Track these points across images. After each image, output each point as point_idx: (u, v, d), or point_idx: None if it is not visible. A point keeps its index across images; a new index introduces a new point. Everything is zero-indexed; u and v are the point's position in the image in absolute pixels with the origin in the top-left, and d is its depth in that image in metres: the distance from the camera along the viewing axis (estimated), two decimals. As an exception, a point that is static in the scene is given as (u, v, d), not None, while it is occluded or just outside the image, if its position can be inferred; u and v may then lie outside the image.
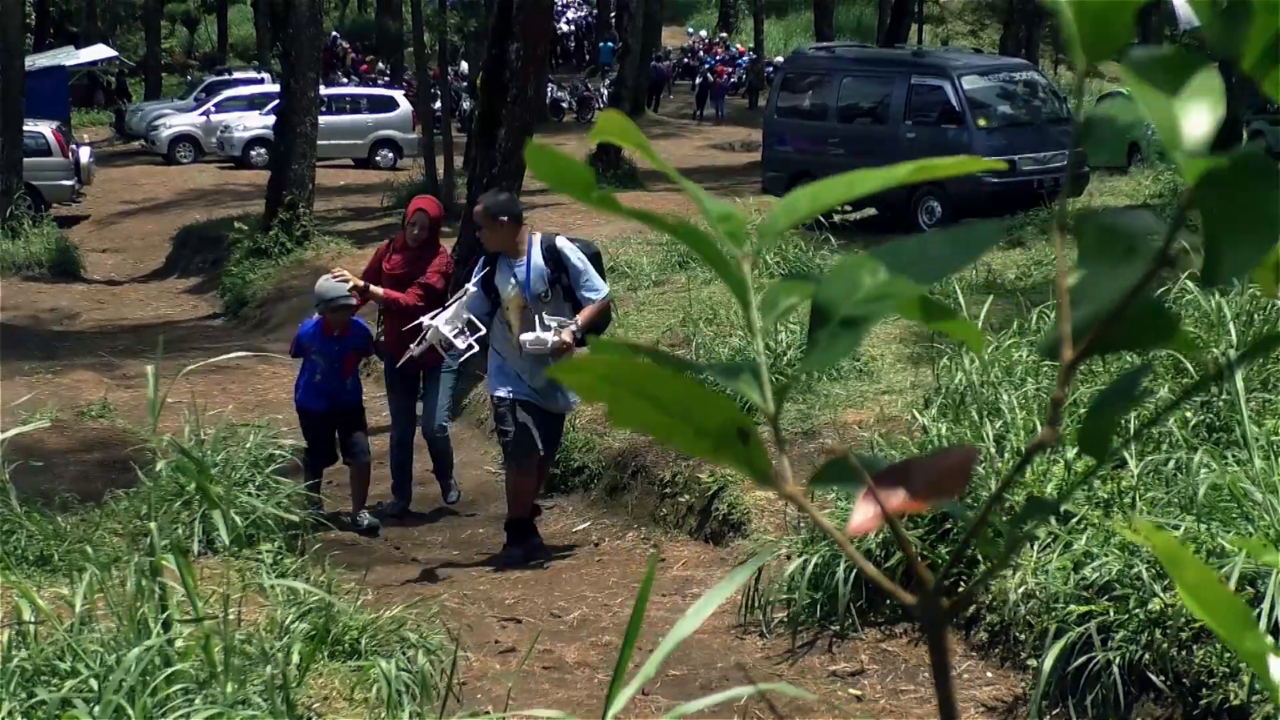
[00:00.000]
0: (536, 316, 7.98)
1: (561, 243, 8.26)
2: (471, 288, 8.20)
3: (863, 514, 0.86)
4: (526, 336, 7.89)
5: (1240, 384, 6.30)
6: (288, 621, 5.08)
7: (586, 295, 8.12)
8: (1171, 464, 6.33)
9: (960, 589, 5.24)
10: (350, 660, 5.20)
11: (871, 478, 0.83)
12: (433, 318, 8.19)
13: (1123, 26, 0.78)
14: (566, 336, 7.90)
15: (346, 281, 8.97)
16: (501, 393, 8.18)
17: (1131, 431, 5.16)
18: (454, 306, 8.22)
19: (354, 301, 8.92)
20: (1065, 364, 0.76)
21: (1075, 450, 5.98)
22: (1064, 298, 0.77)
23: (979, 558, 6.36)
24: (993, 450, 6.81)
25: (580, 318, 8.03)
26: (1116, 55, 0.76)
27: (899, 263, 0.82)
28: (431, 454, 9.58)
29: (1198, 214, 0.73)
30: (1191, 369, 7.00)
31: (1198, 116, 0.74)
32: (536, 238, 8.21)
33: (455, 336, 8.13)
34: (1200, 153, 0.73)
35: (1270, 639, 0.88)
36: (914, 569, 0.85)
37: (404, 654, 5.12)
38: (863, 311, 0.83)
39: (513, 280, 8.06)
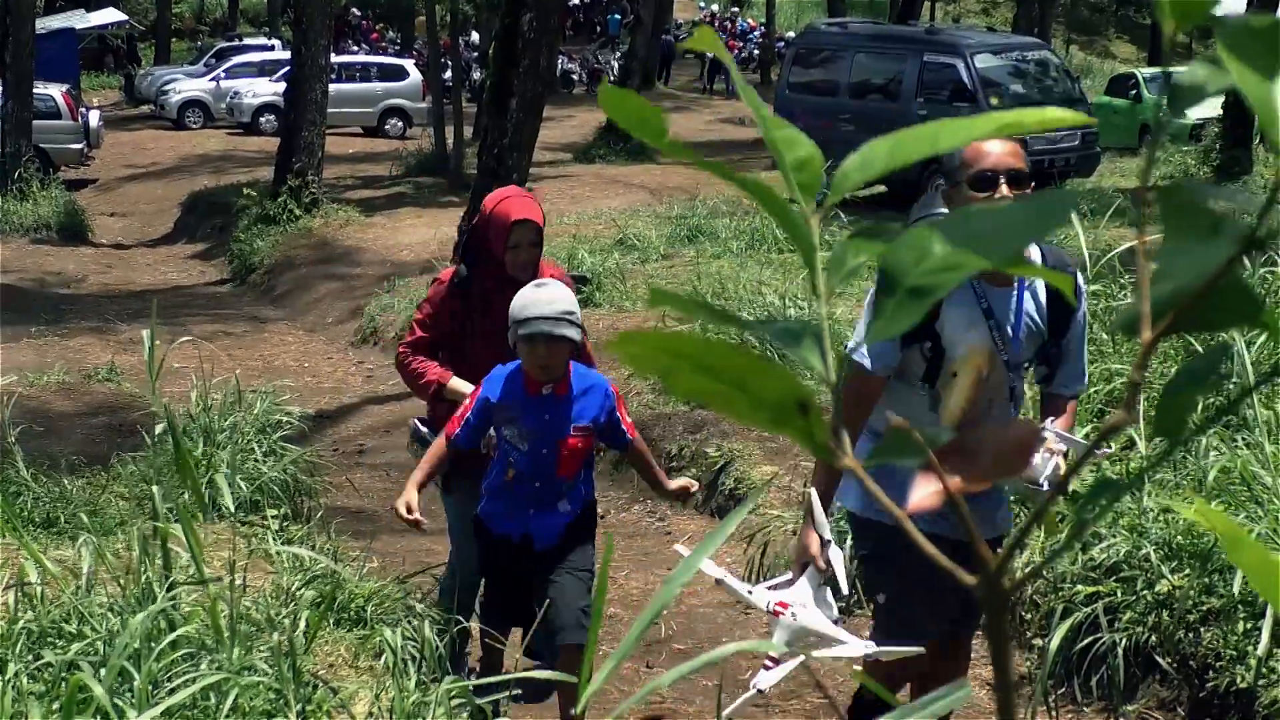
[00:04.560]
0: (997, 402, 4.20)
1: (1077, 274, 4.83)
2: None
3: (923, 490, 0.83)
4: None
5: (1249, 367, 6.27)
6: (294, 588, 5.06)
7: (1067, 388, 4.39)
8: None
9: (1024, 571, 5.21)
10: (356, 628, 5.18)
11: (936, 454, 0.81)
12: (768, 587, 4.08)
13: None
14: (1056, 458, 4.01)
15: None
16: (880, 514, 4.15)
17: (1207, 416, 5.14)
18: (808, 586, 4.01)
19: (578, 323, 4.83)
20: (1145, 344, 0.73)
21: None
22: (1144, 275, 0.74)
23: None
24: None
25: (1062, 426, 4.24)
26: (1207, 20, 0.73)
27: (971, 232, 0.80)
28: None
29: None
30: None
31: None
32: (1034, 249, 4.15)
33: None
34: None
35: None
36: (975, 549, 0.82)
37: (409, 623, 5.11)
38: (931, 281, 0.80)
39: (985, 322, 4.15)
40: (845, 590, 3.97)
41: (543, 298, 4.76)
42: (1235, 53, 0.72)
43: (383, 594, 5.48)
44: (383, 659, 4.69)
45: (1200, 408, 5.86)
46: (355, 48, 44.50)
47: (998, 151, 4.07)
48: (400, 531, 8.41)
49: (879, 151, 0.85)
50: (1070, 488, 3.96)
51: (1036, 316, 4.23)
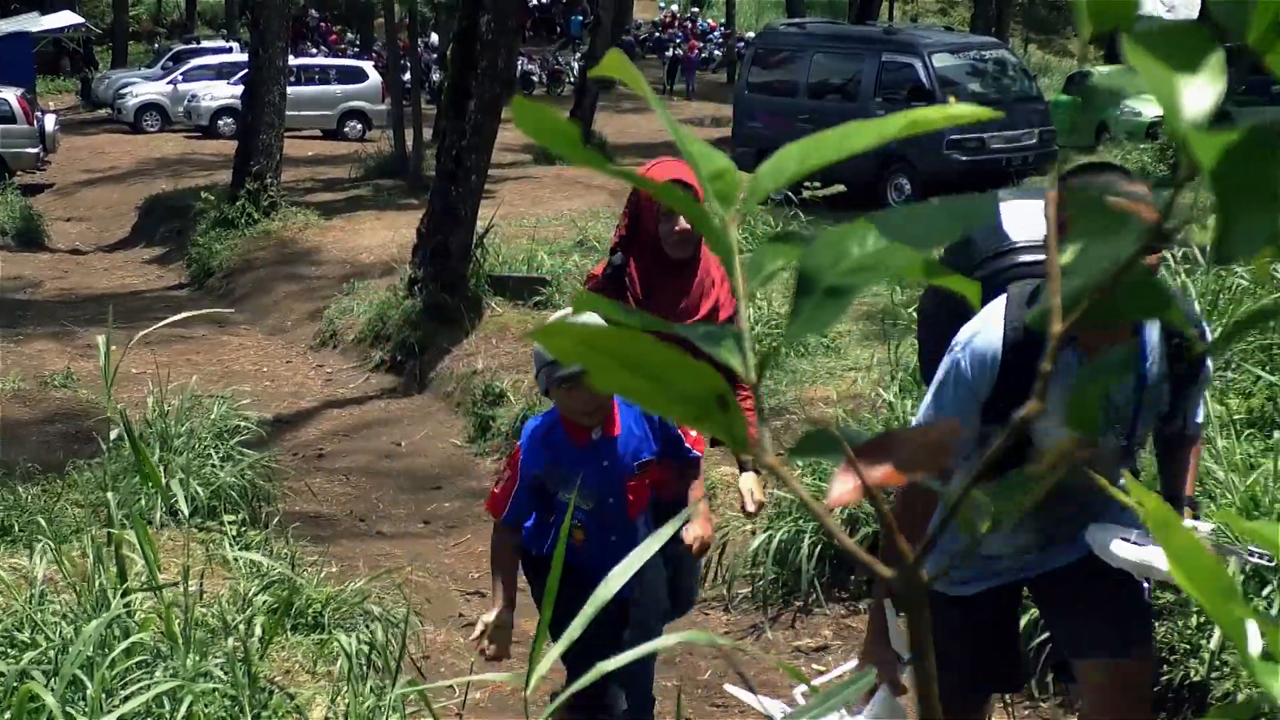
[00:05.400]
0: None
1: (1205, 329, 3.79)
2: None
3: (843, 486, 0.84)
4: (1123, 550, 3.44)
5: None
6: (251, 594, 5.05)
7: (1189, 428, 3.75)
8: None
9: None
10: (313, 633, 5.17)
11: (852, 450, 0.81)
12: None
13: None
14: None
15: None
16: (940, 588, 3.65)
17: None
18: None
19: None
20: (1054, 336, 0.74)
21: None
22: (1054, 270, 0.75)
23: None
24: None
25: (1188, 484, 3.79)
26: (1125, 26, 0.74)
27: (889, 232, 0.80)
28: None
29: (1199, 188, 0.71)
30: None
31: (1200, 89, 0.72)
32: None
33: None
34: (1202, 126, 0.71)
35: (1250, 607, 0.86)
36: (894, 542, 0.83)
37: (366, 627, 5.10)
38: (849, 281, 0.81)
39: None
40: None
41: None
42: (1143, 54, 0.72)
43: (340, 599, 5.47)
44: (339, 664, 4.68)
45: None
46: (314, 50, 44.32)
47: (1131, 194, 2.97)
48: (359, 535, 8.41)
49: (791, 156, 0.86)
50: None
51: (1160, 382, 3.42)
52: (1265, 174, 0.66)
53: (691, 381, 0.82)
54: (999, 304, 3.38)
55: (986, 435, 3.37)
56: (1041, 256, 3.47)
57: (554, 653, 1.97)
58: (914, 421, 3.61)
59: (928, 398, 3.50)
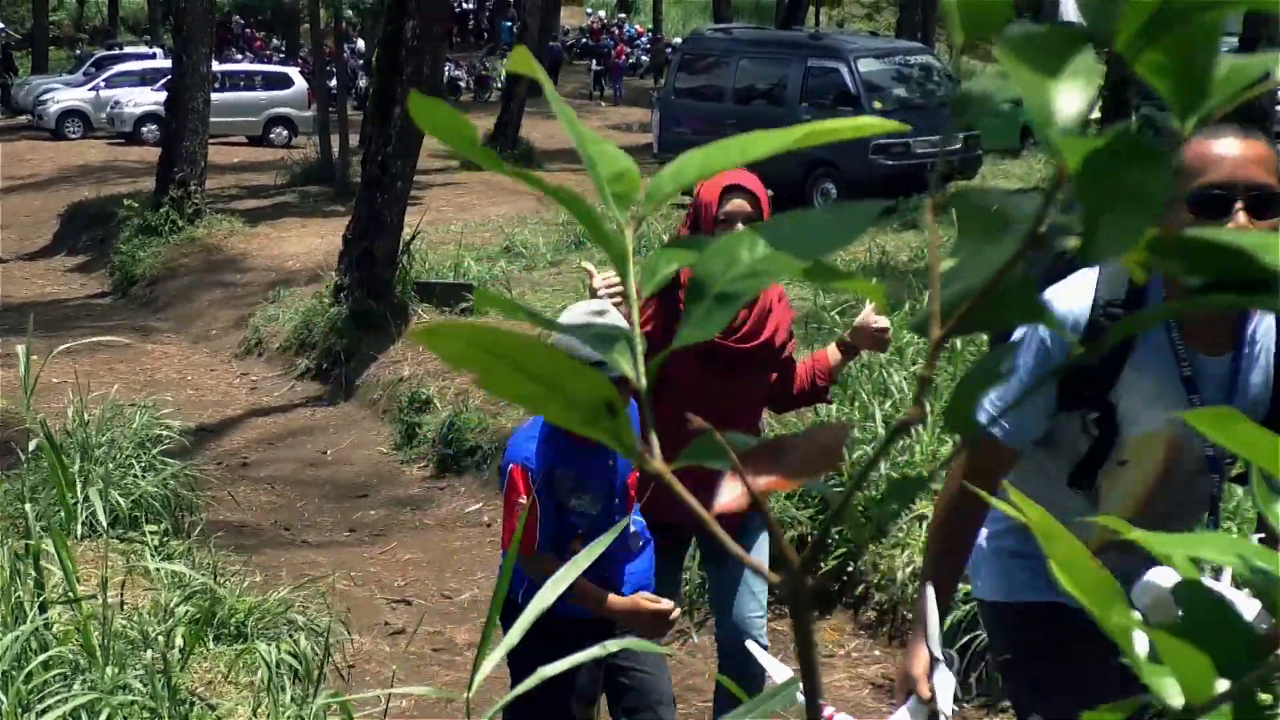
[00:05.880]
0: (1188, 507, 3.07)
1: None
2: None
3: (730, 492, 0.84)
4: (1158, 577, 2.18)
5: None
6: (172, 605, 5.00)
7: None
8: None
9: (847, 569, 5.24)
10: (236, 643, 5.12)
11: (740, 456, 0.82)
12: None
13: (1002, 2, 0.77)
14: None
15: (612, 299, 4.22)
16: (1031, 595, 3.18)
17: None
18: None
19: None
20: (933, 341, 0.74)
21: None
22: (935, 275, 0.76)
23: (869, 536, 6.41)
24: (881, 430, 6.86)
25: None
26: (996, 32, 0.75)
27: (778, 238, 0.81)
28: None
29: (1073, 192, 0.72)
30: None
31: (1071, 95, 0.73)
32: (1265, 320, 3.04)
33: None
34: (1074, 131, 0.72)
35: (1137, 615, 0.88)
36: (779, 547, 0.84)
37: (290, 636, 5.06)
38: (738, 287, 0.82)
39: (1184, 397, 2.96)
40: (948, 715, 2.96)
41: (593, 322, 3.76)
42: (1015, 59, 0.73)
43: (263, 609, 5.42)
44: (259, 674, 4.65)
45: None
46: (239, 56, 43.97)
47: (1234, 156, 2.72)
48: (284, 544, 8.35)
49: (692, 161, 0.86)
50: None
51: (1263, 391, 2.98)
52: (1130, 177, 0.67)
53: (581, 387, 0.82)
54: (1090, 271, 2.92)
55: (1058, 428, 2.99)
56: None
57: (495, 656, 1.96)
58: (981, 406, 2.95)
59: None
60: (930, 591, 2.85)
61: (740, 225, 4.24)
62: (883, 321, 4.42)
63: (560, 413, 0.82)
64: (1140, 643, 0.88)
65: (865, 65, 20.83)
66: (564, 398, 0.82)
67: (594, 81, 42.82)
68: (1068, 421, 2.98)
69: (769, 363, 4.41)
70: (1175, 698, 0.85)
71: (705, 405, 3.84)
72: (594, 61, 43.76)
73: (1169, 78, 0.72)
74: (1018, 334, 2.91)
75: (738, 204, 4.22)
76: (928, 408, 5.47)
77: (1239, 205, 2.68)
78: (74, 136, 35.03)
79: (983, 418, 2.57)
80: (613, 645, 2.40)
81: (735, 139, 0.88)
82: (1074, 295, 2.92)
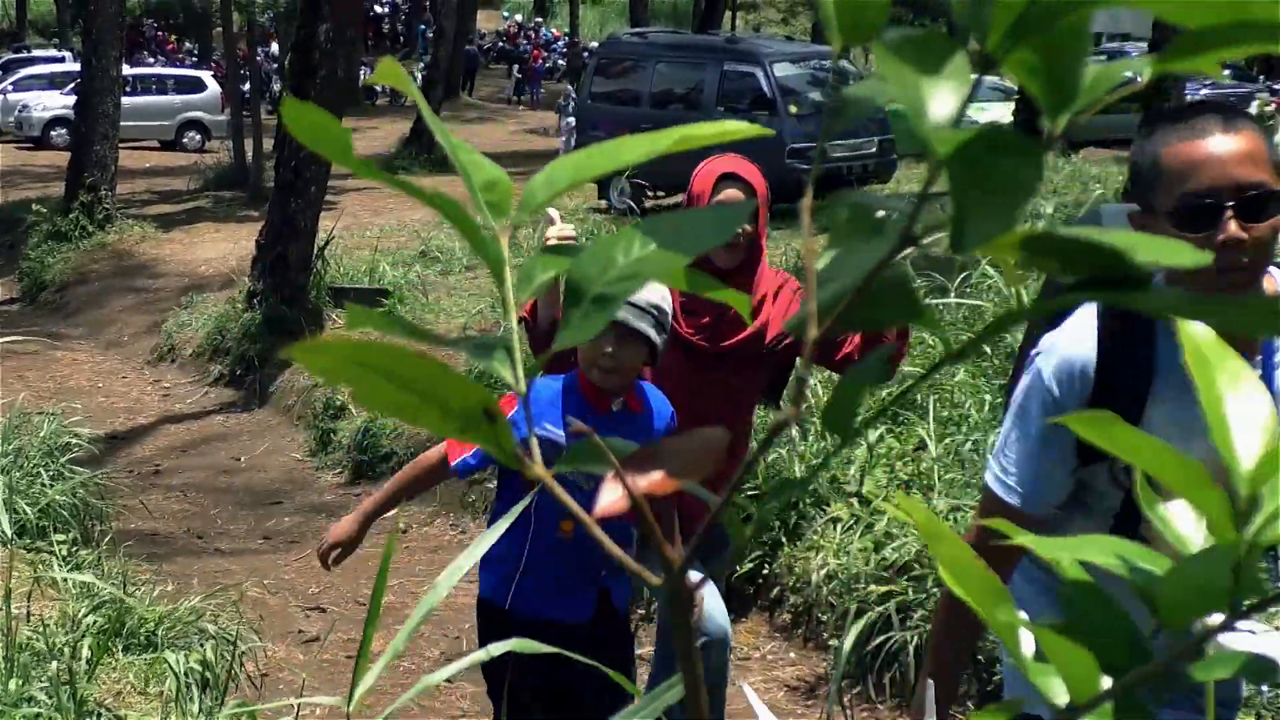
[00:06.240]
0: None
1: None
2: None
3: (610, 495, 0.84)
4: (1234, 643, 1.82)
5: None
6: (80, 615, 4.92)
7: None
8: (970, 445, 6.47)
9: (763, 571, 5.25)
10: (146, 653, 5.06)
11: (620, 460, 0.81)
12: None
13: (878, 8, 0.77)
14: None
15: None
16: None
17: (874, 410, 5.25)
18: None
19: (666, 325, 3.75)
20: (809, 342, 0.74)
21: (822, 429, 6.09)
22: (811, 276, 0.76)
23: (783, 539, 6.44)
24: (795, 433, 6.89)
25: None
26: (874, 36, 0.75)
27: (653, 238, 0.81)
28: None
29: (945, 183, 0.72)
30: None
31: (945, 93, 0.74)
32: None
33: None
34: (945, 129, 0.72)
35: (1022, 614, 0.88)
36: (660, 550, 0.83)
37: (200, 645, 5.00)
38: (614, 289, 0.81)
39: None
40: None
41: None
42: (892, 61, 0.73)
43: (174, 618, 5.36)
44: (168, 683, 4.59)
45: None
46: (151, 59, 43.48)
47: (1219, 155, 2.42)
48: (196, 553, 8.25)
49: (565, 167, 0.86)
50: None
51: None
52: (1002, 167, 0.67)
53: (458, 395, 0.81)
54: (1088, 309, 2.64)
55: (1085, 485, 2.66)
56: None
57: (378, 667, 1.94)
58: (992, 459, 2.71)
59: (1007, 426, 2.70)
60: (930, 685, 2.56)
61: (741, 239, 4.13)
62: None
63: (438, 421, 0.82)
64: (1026, 641, 0.89)
65: (781, 69, 20.92)
66: (440, 406, 0.81)
67: (514, 88, 42.74)
68: (1094, 476, 2.65)
69: (758, 359, 4.19)
70: (1060, 696, 0.86)
71: (687, 399, 3.86)
72: (515, 67, 43.69)
73: (1038, 77, 0.73)
74: (1022, 383, 2.66)
75: (731, 193, 4.06)
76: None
77: (1229, 213, 2.38)
78: (-20, 140, 34.50)
79: (996, 486, 2.61)
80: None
81: (608, 144, 0.88)
82: (1076, 337, 2.62)
